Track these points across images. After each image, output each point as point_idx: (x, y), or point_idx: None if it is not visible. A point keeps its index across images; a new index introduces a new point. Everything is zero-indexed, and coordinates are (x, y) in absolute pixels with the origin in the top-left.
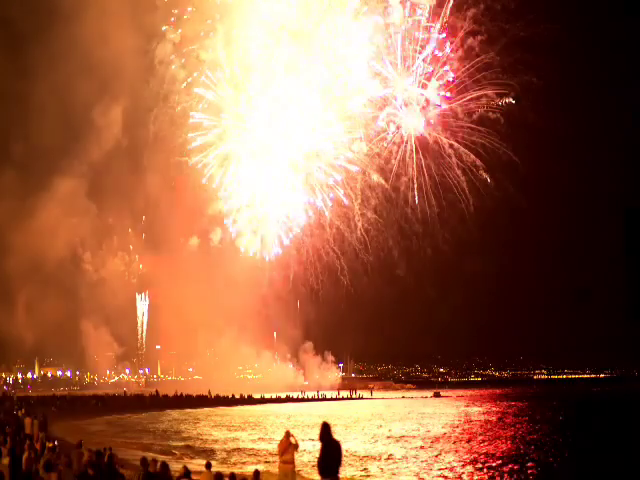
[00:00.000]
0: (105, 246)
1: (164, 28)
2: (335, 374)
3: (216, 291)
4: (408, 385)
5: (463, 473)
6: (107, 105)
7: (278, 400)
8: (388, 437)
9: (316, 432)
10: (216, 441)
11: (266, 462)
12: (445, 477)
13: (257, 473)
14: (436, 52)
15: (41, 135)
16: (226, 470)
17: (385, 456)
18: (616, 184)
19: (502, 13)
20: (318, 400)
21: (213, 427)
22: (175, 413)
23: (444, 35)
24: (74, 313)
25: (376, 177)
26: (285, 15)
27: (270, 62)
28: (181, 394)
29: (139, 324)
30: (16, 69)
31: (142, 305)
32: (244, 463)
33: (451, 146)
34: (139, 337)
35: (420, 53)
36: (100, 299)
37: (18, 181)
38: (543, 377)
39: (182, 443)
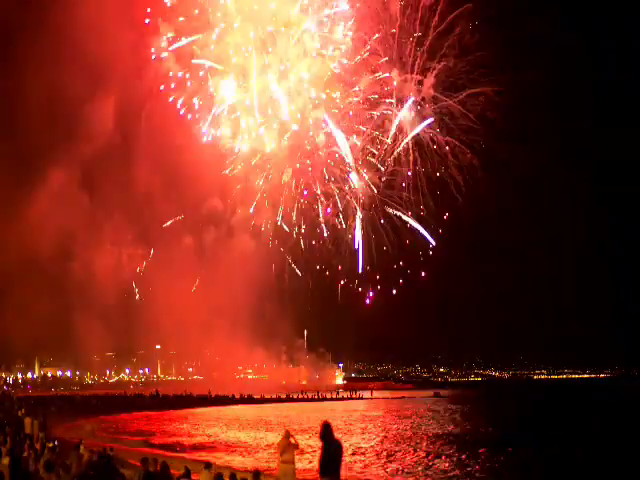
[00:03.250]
0: (98, 243)
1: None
2: (337, 373)
3: (212, 290)
4: (408, 385)
5: None
6: (100, 99)
7: (278, 400)
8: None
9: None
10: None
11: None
12: None
13: (257, 473)
14: (432, 48)
15: (32, 130)
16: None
17: None
18: (616, 184)
19: (500, 10)
20: (318, 400)
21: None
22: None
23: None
24: (70, 311)
25: (371, 175)
26: (280, 10)
27: (264, 58)
28: (190, 394)
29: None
30: (6, 62)
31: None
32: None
33: (447, 144)
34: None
35: (417, 50)
36: (96, 296)
37: (8, 177)
38: (543, 377)
39: None
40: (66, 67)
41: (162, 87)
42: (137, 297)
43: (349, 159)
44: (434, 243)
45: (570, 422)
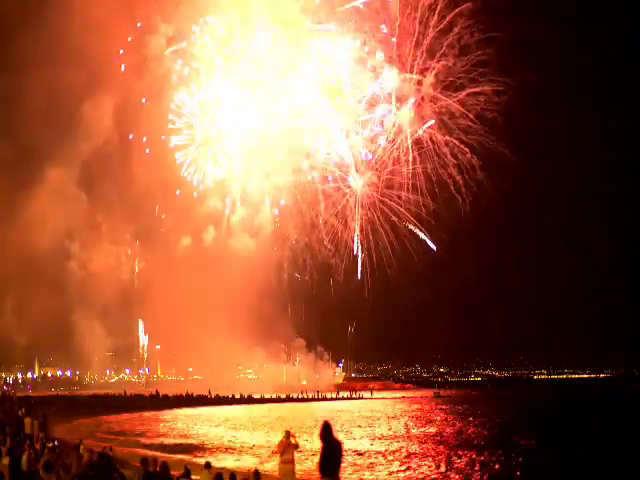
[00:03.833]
0: (97, 242)
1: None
2: (337, 372)
3: (210, 290)
4: (408, 385)
5: None
6: (98, 99)
7: (278, 400)
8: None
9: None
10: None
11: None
12: None
13: (257, 473)
14: (431, 47)
15: (30, 129)
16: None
17: None
18: (614, 184)
19: (500, 10)
20: (318, 400)
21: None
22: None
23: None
24: (70, 311)
25: (370, 174)
26: (278, 8)
27: (263, 57)
28: (190, 394)
29: (139, 327)
30: (5, 61)
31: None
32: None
33: (447, 144)
34: (139, 337)
35: (416, 48)
36: (95, 296)
37: (7, 176)
38: (543, 377)
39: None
40: (65, 66)
41: (144, 100)
42: (137, 297)
43: (348, 159)
44: (435, 248)
45: (570, 422)
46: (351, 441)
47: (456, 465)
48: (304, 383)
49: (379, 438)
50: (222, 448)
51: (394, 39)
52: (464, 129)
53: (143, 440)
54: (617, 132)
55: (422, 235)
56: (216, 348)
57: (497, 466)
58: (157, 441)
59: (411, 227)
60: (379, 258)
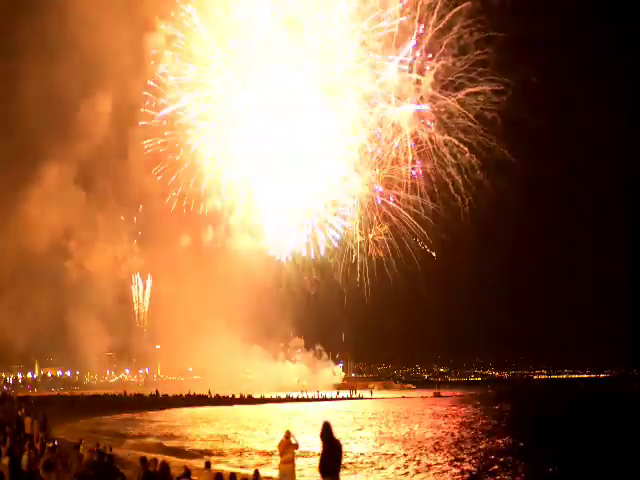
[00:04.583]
0: (97, 242)
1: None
2: (336, 371)
3: (210, 290)
4: (408, 385)
5: None
6: (96, 97)
7: (278, 400)
8: None
9: None
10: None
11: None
12: None
13: (257, 473)
14: (430, 47)
15: (29, 128)
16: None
17: None
18: (614, 184)
19: (499, 9)
20: (318, 400)
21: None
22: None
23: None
24: (70, 311)
25: (369, 175)
26: (278, 6)
27: (264, 56)
28: (190, 394)
29: (137, 313)
30: (3, 60)
31: (141, 296)
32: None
33: (446, 144)
34: (138, 336)
35: (415, 47)
36: (95, 296)
37: (5, 176)
38: (543, 377)
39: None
40: (63, 64)
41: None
42: (136, 297)
43: (347, 158)
44: (434, 255)
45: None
46: (349, 441)
47: (437, 466)
48: (304, 383)
49: (377, 439)
50: (225, 447)
51: (393, 38)
52: (463, 129)
53: (133, 441)
54: (617, 131)
55: (422, 245)
56: (216, 348)
57: (471, 466)
58: (148, 441)
59: (410, 231)
60: (378, 258)
